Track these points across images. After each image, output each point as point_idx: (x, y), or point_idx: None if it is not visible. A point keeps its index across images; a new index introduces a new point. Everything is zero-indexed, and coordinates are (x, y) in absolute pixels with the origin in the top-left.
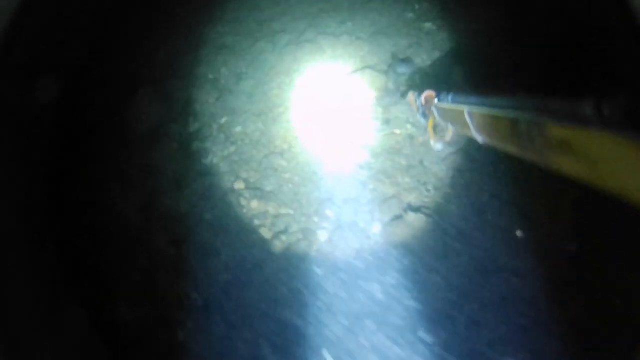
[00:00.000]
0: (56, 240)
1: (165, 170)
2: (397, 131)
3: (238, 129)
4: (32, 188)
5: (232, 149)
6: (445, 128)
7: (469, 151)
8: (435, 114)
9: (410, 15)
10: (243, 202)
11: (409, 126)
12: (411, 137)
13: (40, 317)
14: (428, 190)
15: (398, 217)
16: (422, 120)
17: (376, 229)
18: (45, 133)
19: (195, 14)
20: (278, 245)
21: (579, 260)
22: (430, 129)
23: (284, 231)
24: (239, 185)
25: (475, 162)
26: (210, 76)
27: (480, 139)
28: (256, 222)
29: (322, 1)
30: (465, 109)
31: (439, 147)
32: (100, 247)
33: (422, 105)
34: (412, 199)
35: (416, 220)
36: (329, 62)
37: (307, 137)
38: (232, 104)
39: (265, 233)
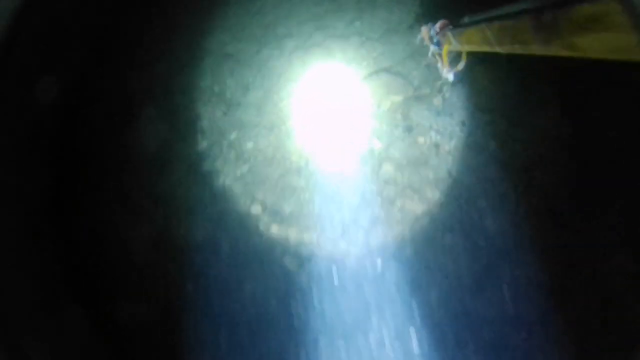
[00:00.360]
0: (56, 241)
1: (174, 196)
2: (421, 139)
3: (249, 145)
4: (33, 188)
5: (245, 168)
6: (459, 54)
7: (500, 158)
8: (452, 39)
9: (421, 10)
10: (262, 227)
11: (432, 133)
12: (436, 146)
13: (40, 317)
14: (460, 206)
15: (432, 238)
16: (436, 49)
17: (410, 252)
18: (45, 133)
19: (194, 17)
20: (304, 276)
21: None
22: (444, 57)
23: (309, 259)
24: (256, 209)
25: (507, 170)
26: (216, 88)
27: (501, 49)
28: (278, 249)
29: (327, 1)
30: (484, 26)
31: (451, 76)
32: (112, 293)
33: (435, 34)
34: (445, 215)
35: (452, 240)
36: (340, 66)
37: (324, 151)
38: (241, 118)
39: (289, 262)
